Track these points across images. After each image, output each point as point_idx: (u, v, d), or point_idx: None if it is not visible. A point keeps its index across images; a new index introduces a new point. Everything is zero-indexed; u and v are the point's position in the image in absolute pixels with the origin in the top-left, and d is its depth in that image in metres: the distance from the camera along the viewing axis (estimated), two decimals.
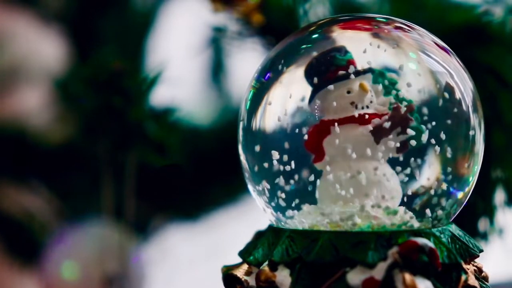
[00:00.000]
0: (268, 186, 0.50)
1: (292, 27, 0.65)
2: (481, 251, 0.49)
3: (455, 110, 0.49)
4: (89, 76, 0.75)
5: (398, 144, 0.47)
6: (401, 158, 0.48)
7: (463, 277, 0.46)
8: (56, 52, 1.01)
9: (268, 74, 0.51)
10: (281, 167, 0.49)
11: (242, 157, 0.52)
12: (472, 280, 0.47)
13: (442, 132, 0.48)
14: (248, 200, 0.93)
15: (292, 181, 0.49)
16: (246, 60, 0.76)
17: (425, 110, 0.48)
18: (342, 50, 0.49)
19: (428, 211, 0.49)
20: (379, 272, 0.44)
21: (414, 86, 0.48)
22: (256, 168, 0.50)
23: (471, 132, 0.49)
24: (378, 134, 0.47)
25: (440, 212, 0.49)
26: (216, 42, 0.93)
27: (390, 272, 0.44)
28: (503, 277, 0.71)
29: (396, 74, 0.48)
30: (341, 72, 0.48)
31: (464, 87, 0.49)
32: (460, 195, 0.50)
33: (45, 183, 0.91)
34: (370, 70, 0.48)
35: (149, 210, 0.96)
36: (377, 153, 0.48)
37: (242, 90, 0.56)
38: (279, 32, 0.64)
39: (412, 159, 0.48)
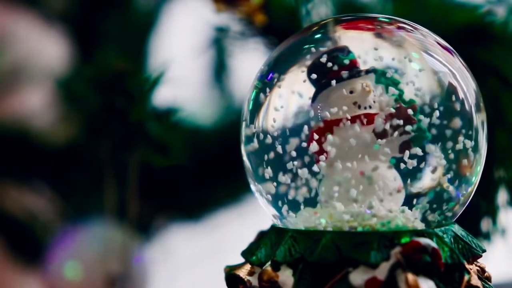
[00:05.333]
0: (271, 186, 0.50)
1: (294, 27, 0.65)
2: (484, 251, 0.49)
3: (458, 110, 0.49)
4: (91, 76, 0.75)
5: (400, 144, 0.47)
6: (403, 158, 0.48)
7: (466, 277, 0.46)
8: (59, 53, 1.01)
9: (270, 74, 0.51)
10: (284, 168, 0.49)
11: (245, 157, 0.52)
12: (475, 280, 0.47)
13: (444, 132, 0.48)
14: (251, 200, 0.93)
15: (294, 182, 0.49)
16: (249, 60, 0.76)
17: (428, 110, 0.48)
18: (345, 50, 0.49)
19: (430, 211, 0.49)
20: (381, 272, 0.44)
21: (417, 86, 0.48)
22: (258, 168, 0.50)
23: (474, 132, 0.49)
24: (381, 134, 0.47)
25: (442, 212, 0.49)
26: (219, 42, 0.93)
27: (393, 272, 0.44)
28: (506, 277, 0.71)
29: (399, 74, 0.48)
30: (343, 72, 0.48)
31: (467, 87, 0.49)
32: (462, 195, 0.50)
33: (48, 183, 0.91)
34: (372, 70, 0.48)
35: (152, 210, 0.96)
36: (380, 153, 0.48)
37: (245, 90, 0.56)
38: (282, 32, 0.64)
39: (415, 159, 0.48)
